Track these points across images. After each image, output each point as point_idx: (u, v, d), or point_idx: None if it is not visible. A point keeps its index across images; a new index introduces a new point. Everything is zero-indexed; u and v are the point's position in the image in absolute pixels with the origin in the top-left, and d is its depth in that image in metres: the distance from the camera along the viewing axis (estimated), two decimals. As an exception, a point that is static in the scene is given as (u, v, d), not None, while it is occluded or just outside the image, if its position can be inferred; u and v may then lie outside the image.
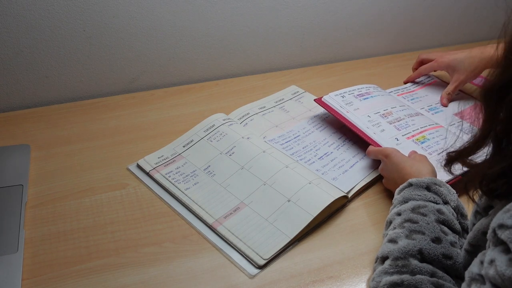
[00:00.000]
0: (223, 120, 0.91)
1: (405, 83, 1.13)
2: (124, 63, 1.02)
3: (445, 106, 1.04)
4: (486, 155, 0.50)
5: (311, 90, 1.08)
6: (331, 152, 0.88)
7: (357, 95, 0.98)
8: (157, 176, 0.81)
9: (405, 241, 0.60)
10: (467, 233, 0.64)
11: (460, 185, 0.74)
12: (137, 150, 0.87)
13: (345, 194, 0.78)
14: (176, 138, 0.89)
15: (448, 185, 0.69)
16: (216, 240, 0.71)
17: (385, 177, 0.80)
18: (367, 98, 0.98)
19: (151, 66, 1.05)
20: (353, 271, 0.68)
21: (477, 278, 0.46)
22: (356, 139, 0.91)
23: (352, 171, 0.84)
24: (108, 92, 1.04)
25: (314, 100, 0.96)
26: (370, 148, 0.84)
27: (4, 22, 0.87)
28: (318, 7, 1.12)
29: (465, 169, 0.57)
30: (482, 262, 0.46)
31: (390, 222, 0.66)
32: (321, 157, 0.87)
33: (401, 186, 0.70)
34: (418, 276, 0.56)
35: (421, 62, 1.11)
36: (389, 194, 0.79)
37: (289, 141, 0.90)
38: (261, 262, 0.67)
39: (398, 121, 0.93)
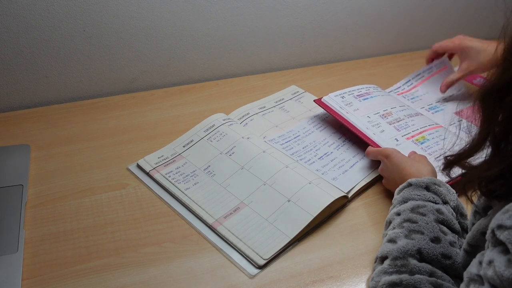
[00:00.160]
0: (223, 120, 0.91)
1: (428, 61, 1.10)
2: (124, 63, 1.02)
3: (443, 92, 1.03)
4: (485, 157, 0.50)
5: (311, 90, 1.08)
6: (331, 152, 0.88)
7: (357, 95, 0.98)
8: (157, 176, 0.81)
9: (404, 241, 0.60)
10: (467, 233, 0.64)
11: (459, 185, 0.74)
12: (137, 150, 0.87)
13: (345, 194, 0.78)
14: (176, 138, 0.89)
15: (447, 185, 0.69)
16: (216, 240, 0.71)
17: (385, 178, 0.80)
18: (367, 98, 0.98)
19: (151, 66, 1.05)
20: (353, 271, 0.68)
21: (476, 279, 0.46)
22: (356, 139, 0.91)
23: (352, 171, 0.84)
24: (108, 92, 1.04)
25: (314, 101, 0.96)
26: (370, 148, 0.84)
27: (4, 22, 0.87)
28: (318, 7, 1.12)
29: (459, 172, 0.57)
30: (480, 263, 0.46)
31: (390, 222, 0.66)
32: (321, 157, 0.87)
33: (400, 186, 0.70)
34: (417, 276, 0.56)
35: (436, 52, 1.08)
36: (389, 194, 0.79)
37: (289, 141, 0.90)
38: (261, 262, 0.67)
39: (398, 121, 0.93)
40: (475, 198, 0.55)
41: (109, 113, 0.97)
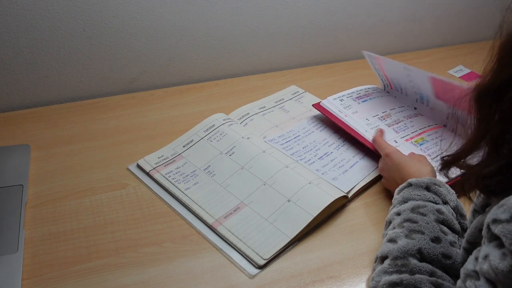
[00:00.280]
0: (223, 120, 0.91)
1: None
2: (124, 63, 1.02)
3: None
4: (482, 155, 0.50)
5: (311, 90, 1.08)
6: (331, 152, 0.88)
7: (356, 97, 0.98)
8: (157, 176, 0.81)
9: (405, 240, 0.60)
10: (466, 232, 0.64)
11: (458, 185, 0.74)
12: (137, 150, 0.87)
13: (345, 194, 0.78)
14: (176, 138, 0.89)
15: (447, 185, 0.69)
16: (216, 240, 0.71)
17: (384, 177, 0.80)
18: (366, 100, 0.98)
19: (151, 66, 1.05)
20: (353, 271, 0.68)
21: (472, 275, 0.46)
22: (356, 139, 0.91)
23: (352, 171, 0.84)
24: (108, 92, 1.04)
25: (313, 105, 0.96)
26: (377, 137, 0.83)
27: (4, 22, 0.87)
28: (318, 7, 1.12)
29: (457, 172, 0.57)
30: (477, 259, 0.46)
31: (390, 222, 0.66)
32: (321, 157, 0.87)
33: (400, 186, 0.70)
34: (417, 276, 0.56)
35: None
36: (389, 194, 0.79)
37: (289, 141, 0.90)
38: (261, 262, 0.67)
39: (397, 123, 0.93)
40: (474, 197, 0.55)
41: (109, 113, 0.97)
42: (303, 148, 0.89)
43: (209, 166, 0.83)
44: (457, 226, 0.63)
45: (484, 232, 0.46)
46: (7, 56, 0.91)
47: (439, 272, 0.57)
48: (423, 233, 0.60)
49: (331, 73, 1.17)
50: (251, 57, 1.13)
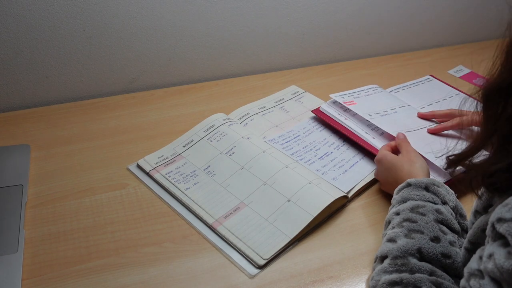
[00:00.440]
0: (223, 120, 0.91)
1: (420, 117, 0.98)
2: (124, 63, 1.02)
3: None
4: (490, 153, 0.50)
5: (311, 90, 1.08)
6: (331, 152, 0.88)
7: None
8: (157, 176, 0.81)
9: (404, 240, 0.60)
10: (466, 233, 0.64)
11: (458, 185, 0.74)
12: (137, 150, 0.87)
13: (345, 194, 0.78)
14: (176, 138, 0.89)
15: (446, 186, 0.69)
16: (216, 240, 0.71)
17: (380, 181, 0.80)
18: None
19: (151, 66, 1.05)
20: (353, 271, 0.68)
21: (476, 274, 0.46)
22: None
23: (352, 171, 0.84)
24: (108, 92, 1.04)
25: (312, 111, 0.96)
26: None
27: (4, 22, 0.87)
28: (318, 7, 1.12)
29: (462, 169, 0.57)
30: (481, 258, 0.46)
31: (389, 222, 0.66)
32: (321, 157, 0.87)
33: (399, 186, 0.70)
34: (417, 275, 0.56)
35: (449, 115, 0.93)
36: (389, 195, 0.79)
37: (289, 141, 0.90)
38: (261, 262, 0.67)
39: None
40: (480, 194, 0.55)
41: (109, 113, 0.97)
42: (303, 148, 0.89)
43: (209, 166, 0.83)
44: (457, 226, 0.63)
45: (488, 231, 0.46)
46: (7, 56, 0.91)
47: (439, 272, 0.57)
48: (422, 232, 0.60)
49: (331, 73, 1.17)
50: (251, 57, 1.13)
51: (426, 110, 1.01)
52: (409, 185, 0.68)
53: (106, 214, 0.74)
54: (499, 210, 0.44)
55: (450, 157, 0.57)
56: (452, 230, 0.62)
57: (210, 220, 0.73)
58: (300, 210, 0.73)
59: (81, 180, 0.80)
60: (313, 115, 0.98)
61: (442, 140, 0.89)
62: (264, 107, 1.00)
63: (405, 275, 0.56)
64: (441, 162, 0.79)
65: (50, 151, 0.86)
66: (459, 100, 1.03)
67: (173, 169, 0.82)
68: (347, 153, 0.88)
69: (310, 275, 0.67)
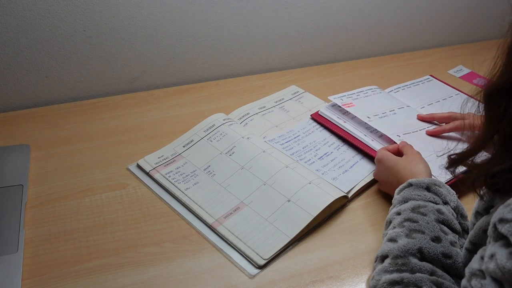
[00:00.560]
0: (223, 120, 0.91)
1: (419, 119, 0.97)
2: (124, 63, 1.02)
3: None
4: (493, 153, 0.50)
5: (311, 90, 1.08)
6: (331, 152, 0.88)
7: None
8: (157, 176, 0.81)
9: (405, 240, 0.60)
10: (467, 233, 0.64)
11: (460, 185, 0.74)
12: (137, 150, 0.87)
13: (345, 194, 0.78)
14: (176, 138, 0.89)
15: (447, 186, 0.69)
16: (216, 240, 0.71)
17: (380, 182, 0.80)
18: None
19: (151, 66, 1.05)
20: (353, 271, 0.68)
21: (477, 274, 0.46)
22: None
23: (352, 171, 0.84)
24: (108, 92, 1.04)
25: (311, 115, 0.96)
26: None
27: (4, 22, 0.87)
28: (318, 7, 1.12)
29: (462, 169, 0.57)
30: (482, 258, 0.46)
31: (390, 222, 0.66)
32: (321, 157, 0.87)
33: (400, 186, 0.70)
34: (418, 274, 0.56)
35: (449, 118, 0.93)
36: (389, 194, 0.79)
37: (289, 141, 0.90)
38: (261, 262, 0.67)
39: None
40: (482, 195, 0.55)
41: (109, 113, 0.97)
42: (303, 148, 0.89)
43: (209, 166, 0.83)
44: (458, 226, 0.63)
45: (490, 232, 0.46)
46: (7, 56, 0.91)
47: (440, 272, 0.57)
48: (423, 232, 0.60)
49: (331, 73, 1.17)
50: (251, 57, 1.13)
51: (426, 110, 1.01)
52: (410, 185, 0.68)
53: (106, 214, 0.74)
54: (501, 211, 0.44)
55: (452, 156, 0.57)
56: (453, 230, 0.62)
57: (210, 220, 0.73)
58: (300, 210, 0.73)
59: (81, 180, 0.80)
60: (313, 115, 0.98)
61: (442, 141, 0.89)
62: (264, 107, 1.00)
63: (405, 275, 0.56)
64: (442, 162, 0.79)
65: (50, 151, 0.86)
66: (459, 100, 1.04)
67: (173, 169, 0.82)
68: (347, 153, 0.88)
69: (310, 275, 0.67)
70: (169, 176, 0.81)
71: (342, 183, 0.81)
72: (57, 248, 0.68)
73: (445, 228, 0.62)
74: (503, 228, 0.43)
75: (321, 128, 0.95)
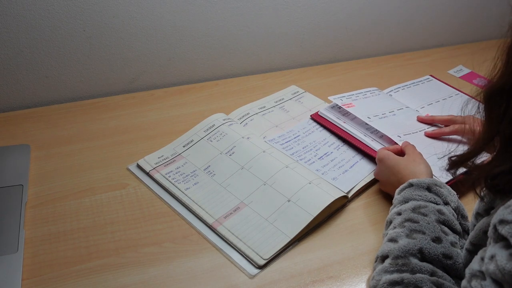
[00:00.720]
0: (223, 120, 0.91)
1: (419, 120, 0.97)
2: (124, 63, 1.02)
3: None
4: (494, 154, 0.49)
5: (311, 90, 1.08)
6: (331, 152, 0.88)
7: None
8: (157, 176, 0.81)
9: (406, 240, 0.60)
10: (468, 234, 0.64)
11: (461, 186, 0.74)
12: (137, 150, 0.87)
13: (345, 194, 0.78)
14: (176, 138, 0.89)
15: (448, 187, 0.69)
16: (216, 240, 0.71)
17: (380, 181, 0.80)
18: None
19: (151, 66, 1.05)
20: (353, 271, 0.68)
21: (478, 275, 0.46)
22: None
23: (352, 171, 0.84)
24: (108, 92, 1.04)
25: (311, 116, 0.96)
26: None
27: (4, 22, 0.87)
28: (318, 7, 1.12)
29: (462, 170, 0.57)
30: (482, 259, 0.46)
31: (390, 222, 0.66)
32: (321, 157, 0.87)
33: (401, 186, 0.70)
34: (418, 275, 0.56)
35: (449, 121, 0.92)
36: (389, 194, 0.79)
37: (289, 141, 0.90)
38: (261, 262, 0.67)
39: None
40: (482, 196, 0.55)
41: (109, 113, 0.97)
42: (303, 148, 0.89)
43: (209, 166, 0.83)
44: (458, 227, 0.63)
45: (490, 233, 0.46)
46: (7, 56, 0.91)
47: (440, 272, 0.57)
48: (424, 233, 0.60)
49: (331, 73, 1.17)
50: (251, 57, 1.13)
51: (425, 110, 1.01)
52: (411, 185, 0.68)
53: (106, 214, 0.74)
54: (501, 212, 0.44)
55: (452, 158, 0.57)
56: (454, 230, 0.62)
57: (210, 220, 0.73)
58: (300, 210, 0.73)
59: (81, 180, 0.80)
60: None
61: (442, 142, 0.89)
62: (264, 107, 1.00)
63: (406, 275, 0.56)
64: (442, 164, 0.79)
65: (50, 151, 0.86)
66: (459, 100, 1.04)
67: (173, 169, 0.82)
68: (347, 153, 0.88)
69: (310, 275, 0.67)
70: (169, 176, 0.81)
71: (342, 183, 0.81)
72: (57, 248, 0.68)
73: (446, 229, 0.62)
74: (503, 230, 0.43)
75: (321, 128, 0.95)
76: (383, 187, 0.80)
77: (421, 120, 0.95)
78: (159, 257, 0.68)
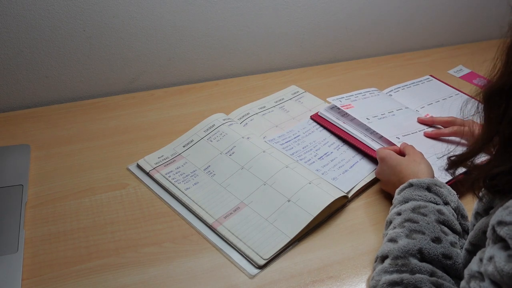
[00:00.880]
0: (223, 120, 0.91)
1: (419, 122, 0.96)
2: (124, 63, 1.02)
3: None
4: (493, 154, 0.49)
5: (311, 90, 1.08)
6: (331, 152, 0.88)
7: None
8: (157, 176, 0.81)
9: (405, 240, 0.60)
10: (468, 234, 0.64)
11: (460, 186, 0.74)
12: (137, 150, 0.87)
13: (345, 194, 0.78)
14: (176, 138, 0.89)
15: (448, 186, 0.69)
16: (216, 240, 0.71)
17: (382, 181, 0.80)
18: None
19: (151, 66, 1.05)
20: (353, 271, 0.68)
21: (476, 276, 0.46)
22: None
23: (352, 171, 0.84)
24: (108, 92, 1.04)
25: (311, 117, 0.96)
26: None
27: (4, 22, 0.87)
28: (318, 7, 1.12)
29: (462, 170, 0.57)
30: (481, 260, 0.46)
31: (390, 222, 0.66)
32: (321, 157, 0.87)
33: (401, 186, 0.70)
34: (418, 275, 0.56)
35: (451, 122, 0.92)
36: (389, 194, 0.79)
37: (289, 141, 0.90)
38: (261, 262, 0.67)
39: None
40: (481, 196, 0.55)
41: (109, 113, 0.97)
42: (303, 148, 0.89)
43: (209, 166, 0.83)
44: (458, 227, 0.63)
45: (489, 234, 0.46)
46: (7, 56, 0.91)
47: (440, 272, 0.57)
48: (423, 233, 0.60)
49: (331, 73, 1.17)
50: (251, 57, 1.13)
51: (425, 110, 1.01)
52: (411, 185, 0.68)
53: (106, 214, 0.74)
54: (500, 213, 0.44)
55: (451, 158, 0.57)
56: (454, 231, 0.62)
57: (210, 220, 0.73)
58: (300, 210, 0.73)
59: (81, 180, 0.80)
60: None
61: (442, 143, 0.89)
62: (264, 107, 1.00)
63: (405, 276, 0.56)
64: (442, 164, 0.79)
65: (50, 151, 0.86)
66: (459, 100, 1.04)
67: (173, 169, 0.82)
68: (347, 153, 0.88)
69: (310, 275, 0.67)
70: (169, 176, 0.81)
71: (342, 183, 0.81)
72: (57, 248, 0.68)
73: (446, 229, 0.62)
74: (502, 231, 0.43)
75: (321, 128, 0.95)
76: (384, 187, 0.80)
77: (422, 121, 0.95)
78: (159, 257, 0.68)
